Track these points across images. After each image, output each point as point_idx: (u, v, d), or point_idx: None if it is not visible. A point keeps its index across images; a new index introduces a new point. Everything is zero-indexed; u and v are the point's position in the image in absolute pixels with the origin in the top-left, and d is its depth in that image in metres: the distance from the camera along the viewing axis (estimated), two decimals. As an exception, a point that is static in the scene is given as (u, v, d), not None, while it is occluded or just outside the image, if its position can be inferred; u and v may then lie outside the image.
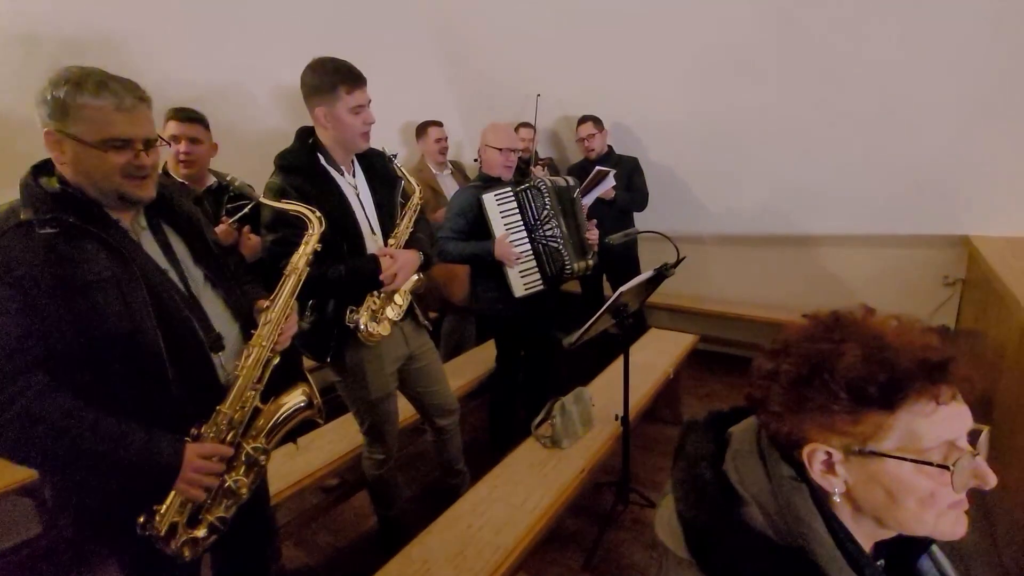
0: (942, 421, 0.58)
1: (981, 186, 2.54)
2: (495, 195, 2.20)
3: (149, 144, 1.02)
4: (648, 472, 2.55)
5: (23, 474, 2.01)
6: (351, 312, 1.61)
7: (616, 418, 2.05)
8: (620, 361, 2.66)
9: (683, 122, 3.19)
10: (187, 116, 1.94)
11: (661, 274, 1.82)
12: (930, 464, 0.57)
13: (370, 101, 1.61)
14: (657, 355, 2.73)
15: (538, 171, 3.12)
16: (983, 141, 2.42)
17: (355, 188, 1.66)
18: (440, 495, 2.08)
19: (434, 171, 3.19)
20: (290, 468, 1.96)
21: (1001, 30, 2.14)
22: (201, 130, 1.97)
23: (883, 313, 0.67)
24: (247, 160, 2.27)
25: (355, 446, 2.10)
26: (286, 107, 3.01)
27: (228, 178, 1.29)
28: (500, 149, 2.25)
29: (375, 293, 1.65)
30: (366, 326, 1.62)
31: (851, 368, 0.59)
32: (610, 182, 2.96)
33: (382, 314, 1.67)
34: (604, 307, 1.70)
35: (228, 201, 1.92)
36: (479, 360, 2.92)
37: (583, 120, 3.22)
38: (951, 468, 0.56)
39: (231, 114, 2.59)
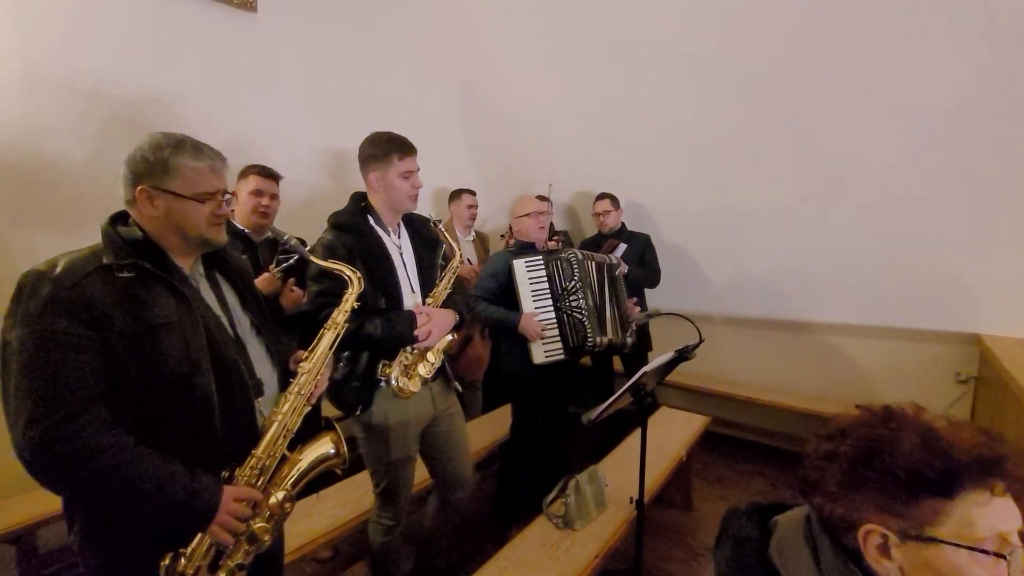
0: (995, 513, 0.59)
1: (993, 285, 2.61)
2: (525, 262, 2.28)
3: (225, 195, 1.15)
4: (658, 560, 2.43)
5: (9, 521, 1.95)
6: (383, 366, 1.65)
7: (631, 501, 1.99)
8: (632, 440, 2.63)
9: (694, 206, 3.33)
10: (269, 173, 2.12)
11: (682, 356, 1.84)
12: (987, 552, 0.58)
13: (419, 169, 1.75)
14: (669, 435, 2.69)
15: (552, 245, 3.21)
16: (995, 240, 2.50)
17: (399, 248, 1.76)
18: (443, 572, 1.98)
19: (459, 234, 3.33)
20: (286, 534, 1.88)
21: (1014, 128, 2.24)
22: (276, 186, 2.14)
23: (931, 412, 0.69)
24: (283, 212, 2.38)
25: (356, 514, 2.02)
26: (321, 168, 3.17)
27: (285, 236, 1.38)
28: (529, 214, 2.37)
29: (408, 349, 1.69)
30: (397, 381, 1.64)
31: (910, 454, 0.61)
32: (619, 251, 3.04)
33: (413, 370, 1.70)
34: (626, 386, 1.70)
35: (279, 253, 2.00)
36: (486, 429, 2.87)
37: (601, 196, 3.36)
38: (1007, 558, 0.57)
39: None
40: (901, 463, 0.60)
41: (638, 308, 2.47)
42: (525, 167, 3.90)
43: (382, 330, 1.60)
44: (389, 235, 1.75)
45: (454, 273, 1.84)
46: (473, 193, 3.42)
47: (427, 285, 1.79)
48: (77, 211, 2.22)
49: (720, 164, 3.05)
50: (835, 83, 2.48)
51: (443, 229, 1.87)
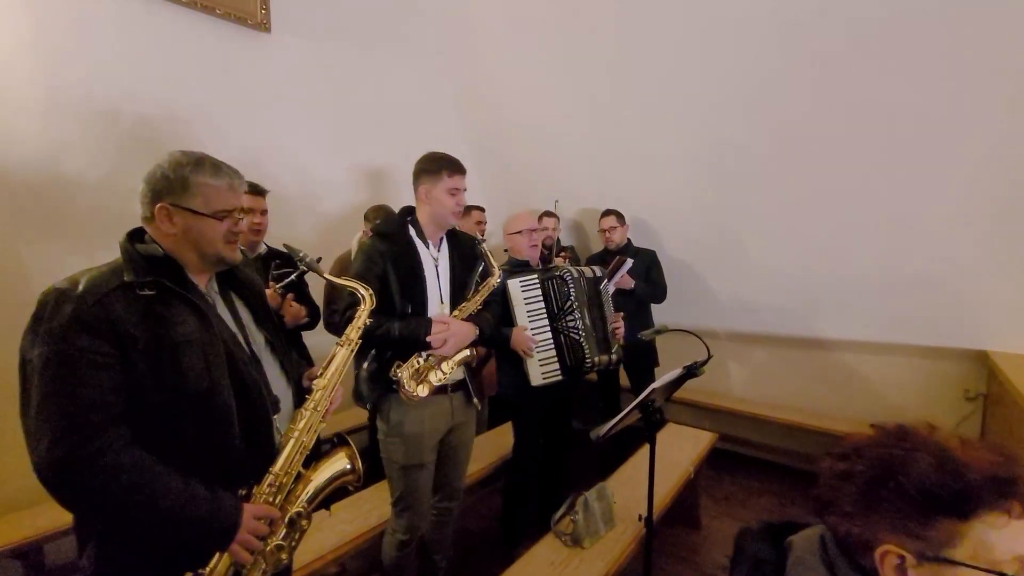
0: (1014, 535, 0.59)
1: (1001, 302, 2.60)
2: (520, 281, 2.23)
3: (243, 211, 1.17)
4: (666, 580, 2.40)
5: (16, 536, 1.95)
6: (396, 366, 1.67)
7: (640, 519, 1.97)
8: (639, 456, 2.62)
9: (700, 222, 3.35)
10: (258, 190, 2.12)
11: (691, 372, 1.84)
12: (1004, 575, 0.57)
13: (466, 189, 1.84)
14: (676, 452, 2.67)
15: (560, 261, 3.23)
16: (1003, 256, 2.50)
17: (435, 260, 1.83)
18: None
19: None
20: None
21: (1020, 146, 2.26)
22: (264, 201, 2.14)
23: (945, 431, 0.69)
24: (295, 227, 2.41)
25: (364, 530, 2.01)
26: (329, 182, 3.21)
27: (300, 253, 1.37)
28: (521, 231, 2.36)
29: (422, 354, 1.71)
30: (406, 384, 1.66)
31: (924, 474, 0.61)
32: (626, 267, 3.04)
33: (424, 376, 1.71)
34: (635, 403, 1.70)
35: (275, 268, 2.01)
36: (492, 446, 2.86)
37: (607, 213, 3.38)
38: None
39: (282, 185, 2.76)
40: (915, 484, 0.60)
41: (621, 325, 2.40)
42: (532, 182, 3.94)
43: (399, 330, 1.66)
44: (428, 247, 1.82)
45: (488, 291, 1.86)
46: (482, 209, 3.44)
47: (458, 298, 1.84)
48: (92, 226, 2.26)
49: (726, 181, 3.08)
50: (838, 99, 2.51)
51: (484, 249, 1.92)
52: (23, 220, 2.12)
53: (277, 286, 1.98)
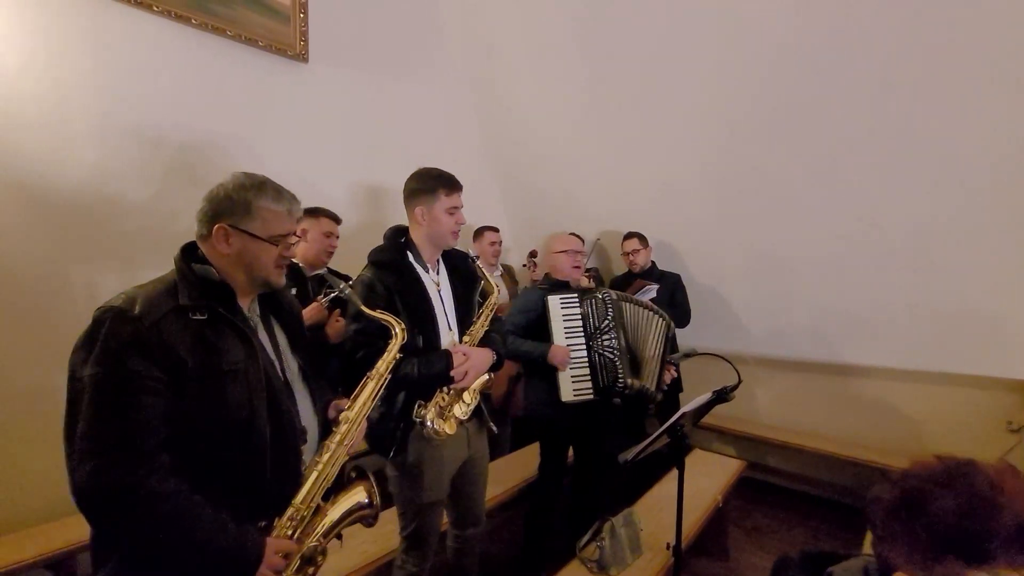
0: None
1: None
2: (561, 299, 2.27)
3: (296, 235, 1.19)
4: (694, 613, 2.32)
5: (49, 547, 1.99)
6: (419, 407, 1.61)
7: (667, 547, 1.92)
8: (665, 482, 2.57)
9: (727, 246, 3.33)
10: (338, 219, 2.38)
11: (721, 398, 1.81)
12: None
13: (463, 206, 1.77)
14: (704, 479, 2.61)
15: (586, 282, 3.23)
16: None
17: (437, 285, 1.75)
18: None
19: (486, 270, 3.37)
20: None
21: None
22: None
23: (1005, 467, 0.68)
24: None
25: (367, 562, 1.96)
26: (360, 205, 3.31)
27: (340, 285, 1.43)
28: (566, 251, 2.37)
29: (444, 389, 1.66)
30: (432, 422, 1.61)
31: (941, 514, 0.62)
32: (650, 295, 3.02)
33: (449, 411, 1.66)
34: (664, 427, 1.68)
35: (327, 287, 2.11)
36: (516, 467, 2.83)
37: (628, 236, 3.39)
38: None
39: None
40: (926, 521, 0.62)
41: (674, 372, 2.43)
42: (554, 205, 3.97)
43: (419, 370, 1.57)
44: (428, 272, 1.75)
45: (492, 310, 1.83)
46: (495, 230, 3.48)
47: (464, 322, 1.78)
48: (135, 246, 2.36)
49: (753, 204, 3.07)
50: (874, 125, 2.49)
51: (480, 265, 1.88)
52: (71, 240, 2.22)
53: (324, 300, 2.04)
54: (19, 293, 2.10)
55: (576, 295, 2.30)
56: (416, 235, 1.75)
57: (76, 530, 2.04)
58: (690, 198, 3.31)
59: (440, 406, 1.65)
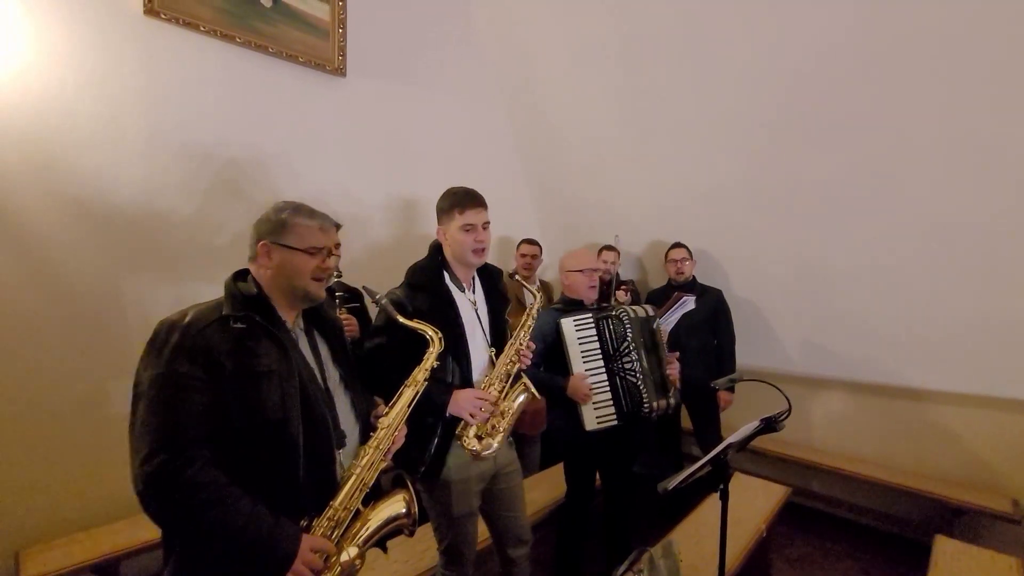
0: None
1: None
2: (574, 320, 2.12)
3: (331, 252, 1.28)
4: (736, 649, 2.20)
5: (96, 551, 2.05)
6: (462, 427, 1.64)
7: (709, 582, 1.83)
8: (705, 508, 2.46)
9: (772, 258, 3.18)
10: (335, 224, 2.29)
11: (769, 427, 1.71)
12: None
13: (487, 224, 1.73)
14: (746, 506, 2.49)
15: (620, 295, 3.15)
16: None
17: (474, 304, 1.75)
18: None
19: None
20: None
21: None
22: (337, 236, 2.33)
23: None
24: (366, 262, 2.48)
25: (421, 570, 1.97)
26: (395, 217, 3.33)
27: (377, 296, 1.52)
28: (582, 270, 2.25)
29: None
30: (472, 444, 1.63)
31: None
32: (688, 306, 2.89)
33: (486, 429, 1.67)
34: (708, 457, 1.60)
35: (344, 303, 2.19)
36: (544, 487, 2.77)
37: (676, 245, 3.29)
38: None
39: (345, 221, 2.88)
40: None
41: (677, 366, 2.25)
42: (591, 217, 3.90)
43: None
44: (463, 291, 1.74)
45: (531, 318, 1.79)
46: (531, 242, 3.40)
47: (500, 339, 1.78)
48: (182, 259, 2.43)
49: (801, 215, 2.92)
50: (941, 130, 2.33)
51: (520, 279, 1.87)
52: (121, 253, 2.30)
53: (343, 310, 2.15)
54: (74, 305, 2.19)
55: (590, 314, 2.15)
56: (447, 253, 1.76)
57: (124, 535, 2.11)
58: (732, 206, 3.18)
59: (477, 435, 1.66)
